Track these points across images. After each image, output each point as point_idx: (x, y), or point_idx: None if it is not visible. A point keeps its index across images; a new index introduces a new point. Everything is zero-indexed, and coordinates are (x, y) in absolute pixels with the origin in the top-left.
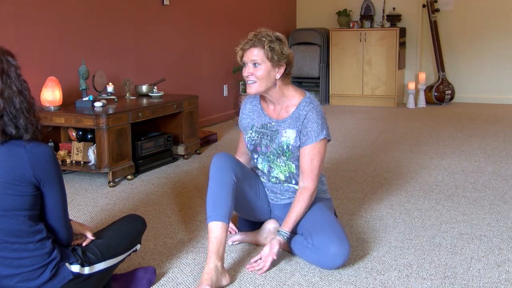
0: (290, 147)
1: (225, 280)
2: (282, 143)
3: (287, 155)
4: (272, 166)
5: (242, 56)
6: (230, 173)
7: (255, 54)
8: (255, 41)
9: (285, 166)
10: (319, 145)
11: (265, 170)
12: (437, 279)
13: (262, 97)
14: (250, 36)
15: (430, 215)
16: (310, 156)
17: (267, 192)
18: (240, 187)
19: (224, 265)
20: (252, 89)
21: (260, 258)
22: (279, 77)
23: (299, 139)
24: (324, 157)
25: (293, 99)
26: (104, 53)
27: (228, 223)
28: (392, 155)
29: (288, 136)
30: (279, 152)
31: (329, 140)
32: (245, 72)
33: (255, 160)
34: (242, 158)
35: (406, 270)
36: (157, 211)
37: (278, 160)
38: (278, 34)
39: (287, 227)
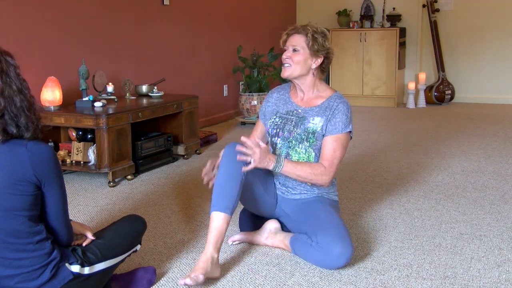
0: (315, 133)
1: (216, 272)
2: (309, 128)
3: (310, 141)
4: (290, 152)
5: (285, 41)
6: (240, 164)
7: (297, 40)
8: (301, 29)
9: (305, 153)
10: (343, 137)
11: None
12: (437, 279)
13: (292, 88)
14: (298, 25)
15: (430, 215)
16: (333, 146)
17: (279, 185)
18: (249, 180)
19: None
20: (286, 72)
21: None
22: (314, 67)
23: (326, 127)
24: (345, 152)
25: (324, 92)
26: (104, 53)
27: (231, 215)
28: (392, 155)
29: (316, 123)
30: (303, 137)
31: (351, 138)
32: (284, 55)
33: (274, 145)
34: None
35: (406, 270)
36: (157, 211)
37: (300, 145)
38: (324, 29)
39: (287, 166)
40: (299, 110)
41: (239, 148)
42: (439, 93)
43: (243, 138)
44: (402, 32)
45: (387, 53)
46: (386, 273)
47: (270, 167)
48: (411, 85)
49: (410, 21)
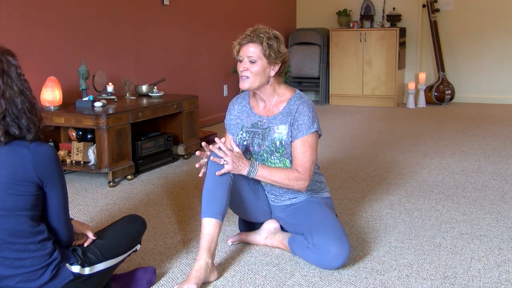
0: (283, 142)
1: (213, 276)
2: (275, 139)
3: (280, 151)
4: (266, 164)
5: (238, 51)
6: None
7: (252, 51)
8: (254, 37)
9: (280, 163)
10: (310, 138)
11: None
12: (437, 279)
13: (252, 96)
14: (248, 32)
15: (430, 215)
16: (301, 149)
17: (267, 194)
18: (237, 185)
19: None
20: (246, 84)
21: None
22: (273, 74)
23: (291, 132)
24: (316, 151)
25: (284, 95)
26: (104, 53)
27: (222, 220)
28: (392, 155)
29: (281, 132)
30: (272, 149)
31: (320, 135)
32: (240, 67)
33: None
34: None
35: (406, 270)
36: (157, 211)
37: (272, 157)
38: (275, 32)
39: (261, 171)
40: (264, 121)
41: (213, 148)
42: (439, 93)
43: (217, 139)
44: (402, 32)
45: (387, 53)
46: (386, 273)
47: (244, 172)
48: (411, 85)
49: (410, 21)
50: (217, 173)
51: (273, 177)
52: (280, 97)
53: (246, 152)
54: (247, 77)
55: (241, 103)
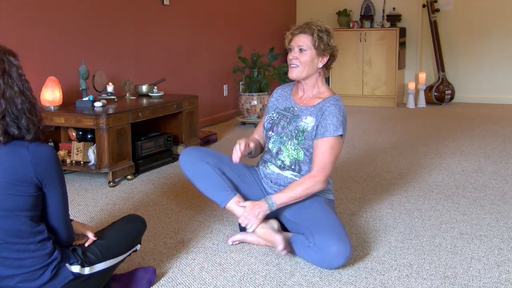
0: (305, 132)
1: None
2: (299, 127)
3: (299, 139)
4: (282, 148)
5: (290, 41)
6: (202, 163)
7: (303, 40)
8: (306, 28)
9: (293, 151)
10: (333, 140)
11: (274, 151)
12: (437, 279)
13: (295, 84)
14: (301, 24)
15: (430, 215)
16: (323, 149)
17: (271, 184)
18: (223, 172)
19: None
20: (294, 73)
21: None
22: (321, 66)
23: (316, 128)
24: (337, 155)
25: (323, 93)
26: (104, 53)
27: (237, 193)
28: (392, 155)
29: (307, 122)
30: (293, 134)
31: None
32: (290, 56)
33: (268, 139)
34: (258, 137)
35: (406, 270)
36: (157, 211)
37: (290, 143)
38: (327, 26)
39: (277, 198)
40: (295, 108)
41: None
42: (439, 93)
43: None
44: (402, 32)
45: (387, 53)
46: (386, 273)
47: (267, 211)
48: (411, 85)
49: (410, 21)
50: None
51: (292, 197)
52: (320, 93)
53: (270, 130)
54: (297, 66)
55: (285, 88)
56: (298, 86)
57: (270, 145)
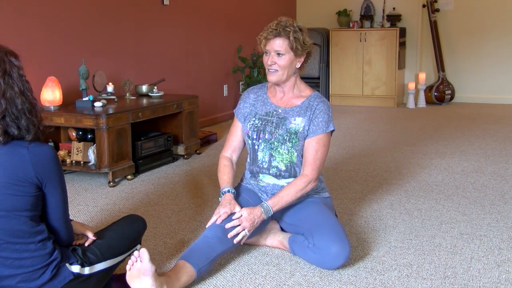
0: (298, 134)
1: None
2: (291, 129)
3: (293, 141)
4: (273, 154)
5: (265, 45)
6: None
7: (279, 44)
8: (280, 31)
9: (287, 154)
10: (325, 137)
11: (266, 159)
12: (437, 279)
13: (270, 87)
14: (273, 25)
15: (430, 215)
16: (315, 147)
17: (266, 197)
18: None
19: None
20: (274, 77)
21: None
22: (299, 66)
23: (308, 127)
24: (327, 151)
25: (304, 91)
26: (104, 53)
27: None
28: (392, 155)
29: (298, 123)
30: (285, 138)
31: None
32: (268, 61)
33: (255, 148)
34: (234, 155)
35: (406, 270)
36: (157, 211)
37: (282, 147)
38: (299, 24)
39: (272, 202)
40: (279, 111)
41: (228, 225)
42: (439, 93)
43: (223, 214)
44: (402, 32)
45: (387, 53)
46: (386, 273)
47: (263, 217)
48: (411, 85)
49: (410, 21)
50: (241, 242)
51: (287, 201)
52: (300, 92)
53: (257, 139)
54: (276, 71)
55: (257, 92)
56: (276, 88)
57: (260, 154)
